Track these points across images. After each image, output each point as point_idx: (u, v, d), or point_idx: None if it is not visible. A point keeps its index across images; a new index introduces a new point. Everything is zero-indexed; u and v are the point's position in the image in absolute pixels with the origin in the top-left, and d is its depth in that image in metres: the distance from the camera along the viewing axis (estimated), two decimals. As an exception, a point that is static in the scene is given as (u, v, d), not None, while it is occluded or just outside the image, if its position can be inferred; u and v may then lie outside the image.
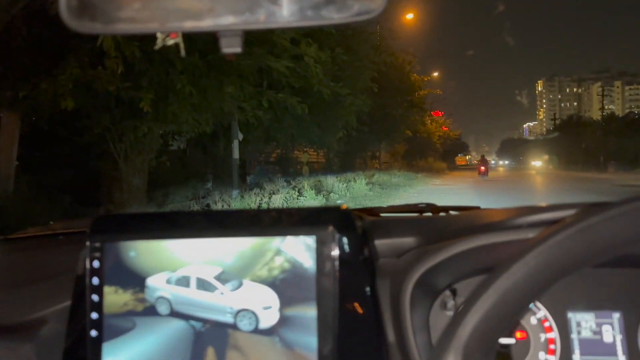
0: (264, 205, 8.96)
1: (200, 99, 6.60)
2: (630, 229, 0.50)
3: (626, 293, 0.78)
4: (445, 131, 49.34)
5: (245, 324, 0.69)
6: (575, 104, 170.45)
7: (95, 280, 0.74)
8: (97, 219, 0.78)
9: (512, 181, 29.02)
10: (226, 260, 0.72)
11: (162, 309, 0.72)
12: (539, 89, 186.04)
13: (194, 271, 0.72)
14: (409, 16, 23.57)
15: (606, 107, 58.97)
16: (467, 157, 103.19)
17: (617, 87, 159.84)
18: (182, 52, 0.49)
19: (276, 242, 0.70)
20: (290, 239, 0.69)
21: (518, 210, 0.77)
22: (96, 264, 0.74)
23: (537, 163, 59.06)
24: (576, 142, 54.29)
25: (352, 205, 12.05)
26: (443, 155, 54.82)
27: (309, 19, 0.46)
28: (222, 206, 8.45)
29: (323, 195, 11.65)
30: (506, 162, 72.35)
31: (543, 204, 0.77)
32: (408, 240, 0.80)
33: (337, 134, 11.12)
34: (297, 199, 10.08)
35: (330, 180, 15.26)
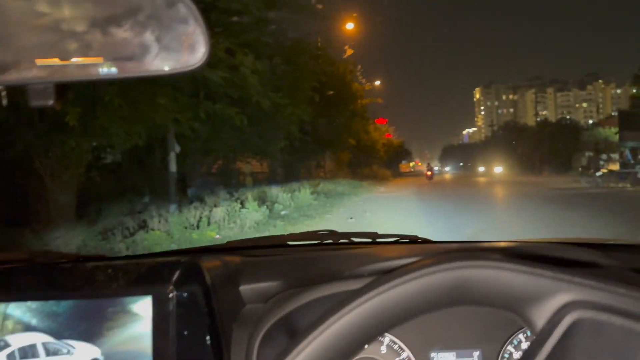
0: (204, 220, 8.72)
1: (130, 111, 6.33)
2: (413, 299, 0.50)
3: (485, 331, 0.79)
4: (388, 139, 50.21)
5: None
6: (511, 110, 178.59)
7: None
8: None
9: (452, 187, 29.94)
10: (58, 323, 0.65)
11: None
12: (477, 96, 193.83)
13: (35, 338, 0.65)
14: (349, 26, 23.88)
15: (540, 112, 62.13)
16: (410, 164, 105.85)
17: (550, 93, 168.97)
18: (4, 102, 0.47)
19: (110, 304, 0.64)
20: (124, 300, 0.64)
21: (382, 253, 0.80)
22: None
23: (480, 168, 61.49)
24: (513, 147, 56.77)
25: (295, 215, 12.00)
26: (387, 163, 55.79)
27: (128, 72, 0.46)
28: (159, 221, 8.15)
29: (267, 207, 11.49)
30: (447, 168, 74.73)
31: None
32: (274, 285, 0.78)
33: (279, 144, 11.02)
34: (240, 211, 9.88)
35: (275, 191, 15.13)
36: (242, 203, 10.77)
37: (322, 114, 19.17)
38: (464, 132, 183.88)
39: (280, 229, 9.43)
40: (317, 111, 17.62)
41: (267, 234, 9.04)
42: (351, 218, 11.27)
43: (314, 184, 20.64)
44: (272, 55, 8.24)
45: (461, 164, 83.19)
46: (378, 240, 1.49)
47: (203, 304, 0.67)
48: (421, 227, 9.30)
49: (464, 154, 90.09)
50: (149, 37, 0.46)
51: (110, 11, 0.45)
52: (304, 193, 15.63)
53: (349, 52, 23.34)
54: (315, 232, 1.40)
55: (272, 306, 0.72)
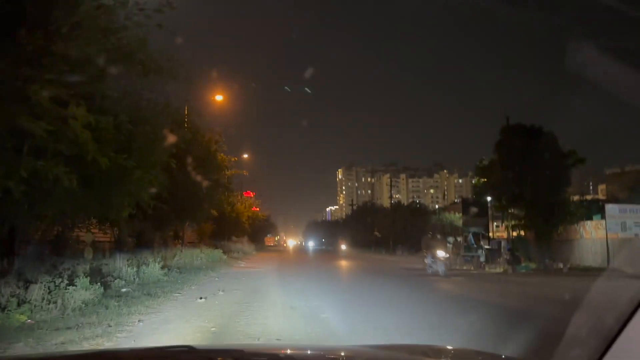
0: (13, 301, 7.11)
1: None
2: None
3: None
4: (254, 212, 49.76)
5: None
6: (369, 191, 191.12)
7: None
8: None
9: (313, 264, 29.96)
10: None
11: None
12: (339, 176, 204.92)
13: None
14: (218, 97, 23.64)
15: (394, 195, 66.75)
16: (276, 238, 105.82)
17: (403, 179, 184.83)
18: None
19: None
20: None
21: None
22: None
23: (342, 246, 63.30)
24: (370, 226, 59.55)
25: (137, 293, 10.58)
26: (252, 236, 54.85)
27: None
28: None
29: (102, 283, 9.97)
30: (310, 242, 75.74)
31: None
32: None
33: (125, 211, 9.77)
34: (66, 289, 8.33)
35: (119, 264, 13.45)
36: (70, 278, 9.19)
37: (183, 182, 18.09)
38: (327, 209, 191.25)
39: (112, 310, 8.06)
40: (177, 178, 16.56)
41: (94, 316, 7.64)
42: (202, 298, 10.18)
43: (169, 256, 19.03)
44: (118, 112, 7.34)
45: (323, 240, 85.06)
46: None
47: None
48: (277, 312, 8.61)
49: (327, 230, 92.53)
50: None
51: None
52: (152, 267, 14.15)
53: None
54: (164, 348, 1.32)
55: None
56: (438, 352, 2.24)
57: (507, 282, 16.39)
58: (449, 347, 2.58)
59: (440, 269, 17.73)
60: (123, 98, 7.83)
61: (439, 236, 19.77)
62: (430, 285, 14.84)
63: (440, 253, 18.18)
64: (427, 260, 18.78)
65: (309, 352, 1.82)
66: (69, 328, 6.77)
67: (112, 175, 8.00)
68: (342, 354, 1.83)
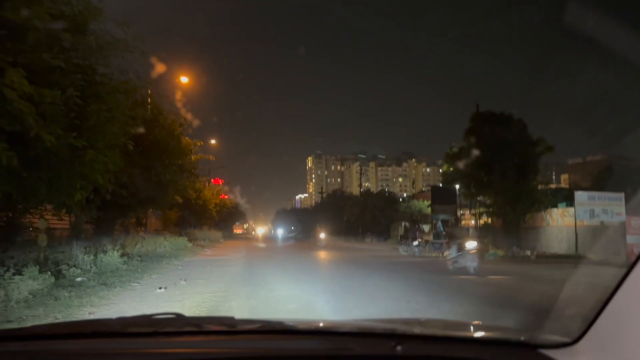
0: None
1: None
2: None
3: None
4: (223, 199, 48.87)
5: None
6: (339, 180, 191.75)
7: None
8: None
9: (281, 252, 29.56)
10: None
11: None
12: (309, 164, 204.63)
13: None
14: (184, 79, 22.78)
15: (363, 184, 66.70)
16: (244, 226, 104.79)
17: (372, 167, 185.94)
18: None
19: None
20: None
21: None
22: None
23: (316, 234, 63.05)
24: (340, 214, 59.46)
25: (92, 283, 9.95)
26: (220, 224, 54.04)
27: None
28: None
29: (53, 272, 9.29)
30: (280, 230, 75.01)
31: None
32: None
33: (78, 196, 9.07)
34: (12, 278, 7.66)
35: (75, 252, 12.76)
36: (18, 267, 8.50)
37: (145, 165, 17.30)
38: (297, 197, 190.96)
39: (61, 302, 7.45)
40: (138, 162, 15.80)
41: (41, 309, 7.02)
42: (161, 288, 9.61)
43: (131, 244, 18.29)
44: (67, 86, 6.66)
45: (293, 227, 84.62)
46: (236, 329, 1.44)
47: None
48: (241, 303, 8.13)
49: (297, 218, 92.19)
50: None
51: None
52: (111, 255, 13.45)
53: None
54: (152, 316, 1.33)
55: None
56: (434, 323, 2.27)
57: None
58: (446, 319, 2.68)
59: (471, 264, 13.73)
60: (73, 71, 7.12)
61: (462, 224, 16.09)
62: (400, 272, 14.49)
63: (471, 244, 14.01)
64: (451, 253, 14.62)
65: (299, 323, 1.75)
66: (9, 322, 6.16)
67: (61, 155, 7.33)
68: (335, 324, 1.87)
